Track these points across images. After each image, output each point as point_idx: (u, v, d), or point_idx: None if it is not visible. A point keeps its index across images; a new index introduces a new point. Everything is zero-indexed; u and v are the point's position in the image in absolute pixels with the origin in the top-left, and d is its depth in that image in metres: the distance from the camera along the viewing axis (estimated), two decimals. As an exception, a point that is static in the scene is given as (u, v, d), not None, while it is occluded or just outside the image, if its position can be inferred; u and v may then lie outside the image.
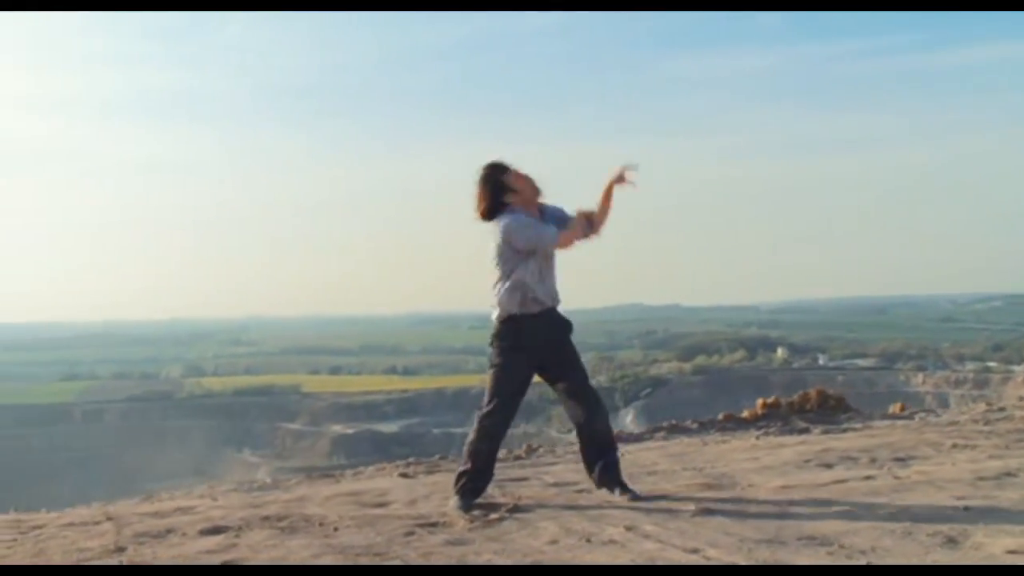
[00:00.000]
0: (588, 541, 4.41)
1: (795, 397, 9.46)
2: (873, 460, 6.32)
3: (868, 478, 5.63)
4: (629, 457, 6.76)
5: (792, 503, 5.03)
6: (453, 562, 4.14)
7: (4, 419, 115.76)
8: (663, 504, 5.13)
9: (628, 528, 4.58)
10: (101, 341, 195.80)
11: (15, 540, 4.93)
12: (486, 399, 5.29)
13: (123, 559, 4.39)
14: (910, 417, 9.30)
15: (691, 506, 4.97)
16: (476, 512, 5.09)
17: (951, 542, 4.07)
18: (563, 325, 5.35)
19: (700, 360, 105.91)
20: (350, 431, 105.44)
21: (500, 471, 5.97)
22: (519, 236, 5.08)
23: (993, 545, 3.99)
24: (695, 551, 4.11)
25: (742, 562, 3.90)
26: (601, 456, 5.33)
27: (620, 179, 5.20)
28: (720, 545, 4.19)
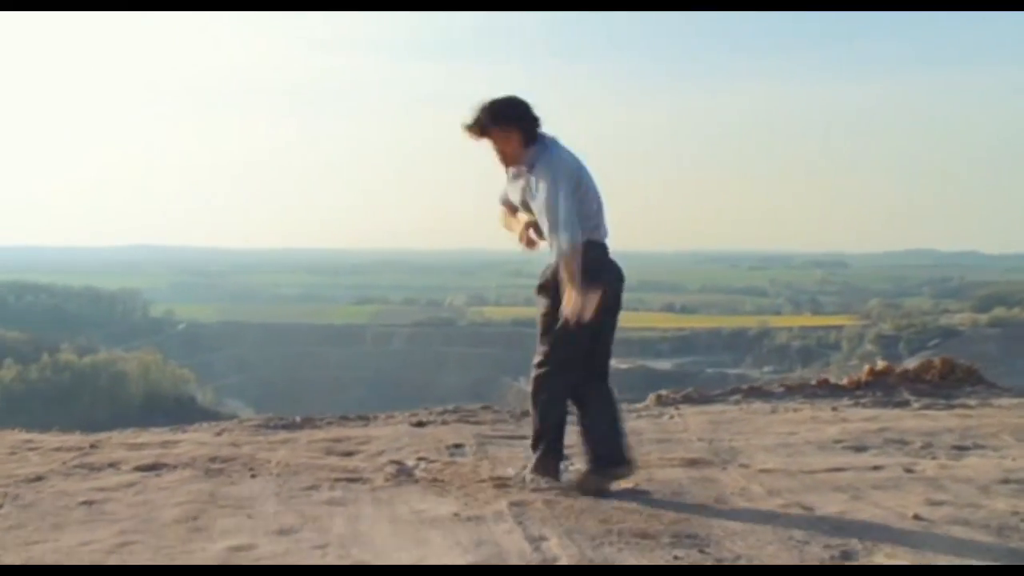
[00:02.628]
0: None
1: (915, 364, 8.23)
2: (926, 446, 5.48)
3: (877, 468, 4.90)
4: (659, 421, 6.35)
5: (741, 492, 4.37)
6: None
7: (304, 337, 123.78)
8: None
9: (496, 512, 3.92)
10: (394, 268, 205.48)
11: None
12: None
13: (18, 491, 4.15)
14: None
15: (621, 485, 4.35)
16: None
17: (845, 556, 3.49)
18: None
19: (999, 312, 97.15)
20: (624, 366, 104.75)
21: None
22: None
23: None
24: (539, 540, 3.54)
25: (566, 561, 3.34)
26: None
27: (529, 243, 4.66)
28: (573, 537, 3.58)
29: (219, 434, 5.79)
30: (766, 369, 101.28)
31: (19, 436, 5.57)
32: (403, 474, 4.61)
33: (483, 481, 4.42)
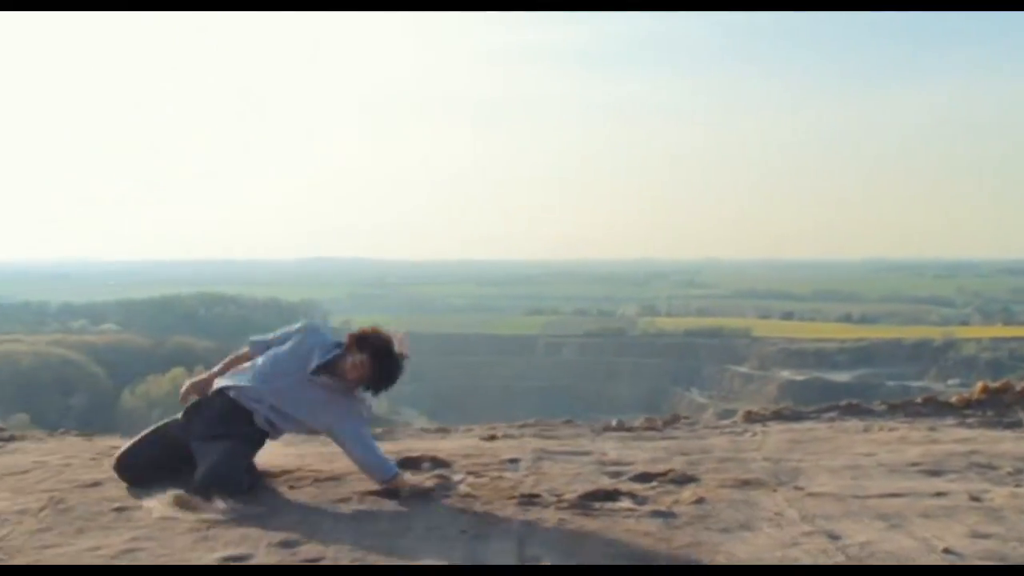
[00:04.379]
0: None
1: (1039, 381, 7.55)
2: (1016, 472, 5.04)
3: (939, 495, 4.59)
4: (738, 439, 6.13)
5: (773, 517, 4.16)
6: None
7: (476, 347, 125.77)
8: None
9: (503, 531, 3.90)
10: (565, 278, 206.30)
11: None
12: None
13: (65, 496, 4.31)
14: None
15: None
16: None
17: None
18: None
19: None
20: (799, 378, 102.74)
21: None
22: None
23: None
24: (532, 560, 3.57)
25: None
26: None
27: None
28: (569, 559, 3.55)
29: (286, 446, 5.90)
30: (951, 382, 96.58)
31: (110, 443, 5.84)
32: (444, 489, 4.61)
33: (513, 498, 4.38)
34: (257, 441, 4.73)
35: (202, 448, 4.53)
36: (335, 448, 4.88)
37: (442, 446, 5.76)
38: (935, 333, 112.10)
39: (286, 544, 3.68)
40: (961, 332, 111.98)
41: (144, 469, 4.57)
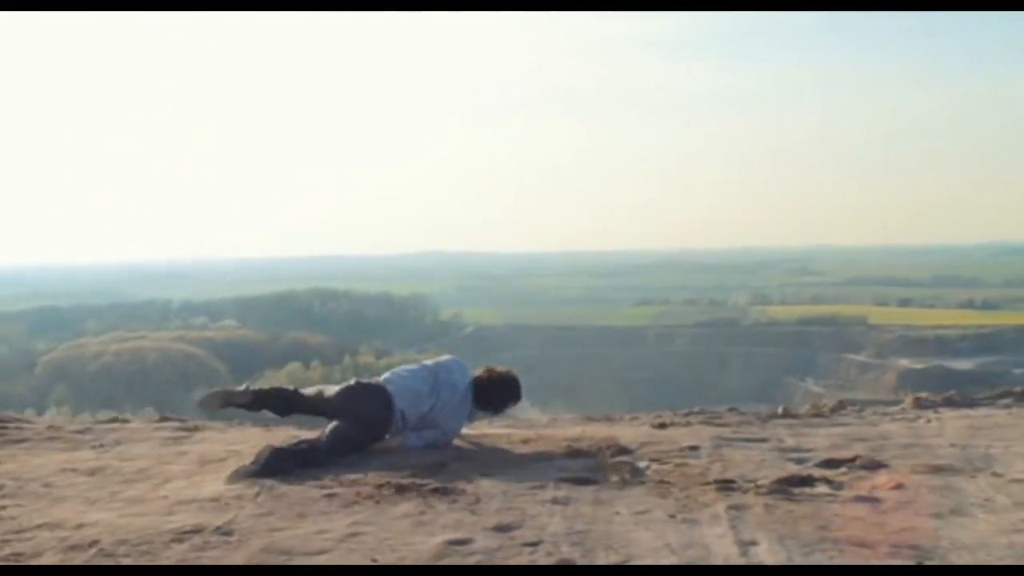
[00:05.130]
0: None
1: None
2: None
3: None
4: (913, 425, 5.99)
5: (984, 503, 4.06)
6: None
7: (587, 338, 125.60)
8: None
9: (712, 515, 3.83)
10: (674, 268, 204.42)
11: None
12: None
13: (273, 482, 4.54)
14: None
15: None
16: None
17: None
18: None
19: None
20: (919, 366, 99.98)
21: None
22: None
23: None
24: (749, 544, 3.52)
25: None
26: None
27: None
28: (785, 543, 3.51)
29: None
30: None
31: (287, 432, 6.04)
32: (634, 475, 4.66)
33: (708, 483, 4.40)
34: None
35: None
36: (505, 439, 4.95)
37: (618, 433, 5.80)
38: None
39: (501, 528, 3.76)
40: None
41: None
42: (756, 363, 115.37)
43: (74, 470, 5.01)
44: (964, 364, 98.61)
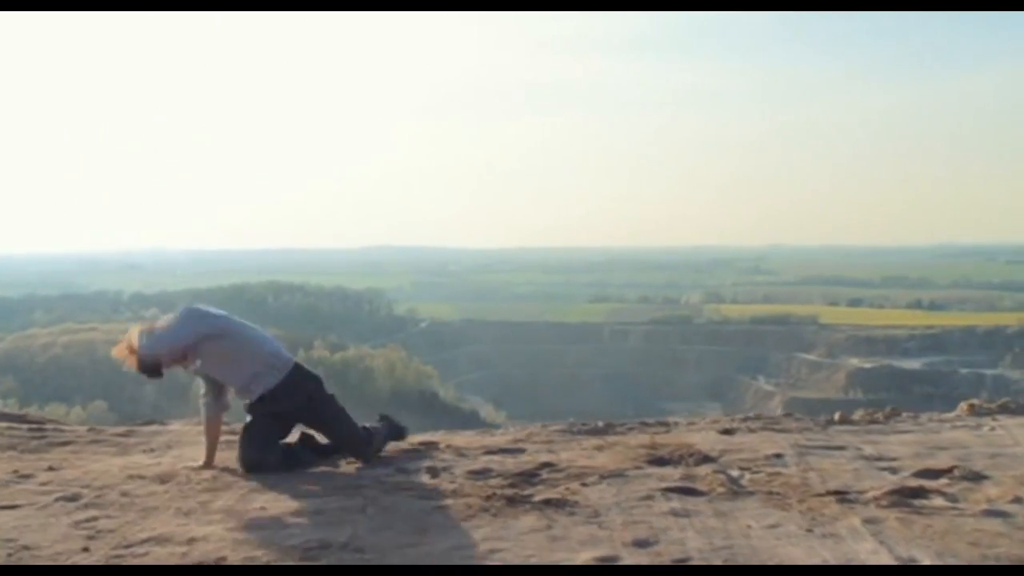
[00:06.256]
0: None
1: None
2: None
3: None
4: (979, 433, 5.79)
5: None
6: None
7: (542, 335, 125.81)
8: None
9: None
10: (629, 266, 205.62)
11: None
12: None
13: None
14: None
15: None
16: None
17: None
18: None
19: None
20: (868, 365, 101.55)
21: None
22: None
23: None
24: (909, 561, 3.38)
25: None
26: None
27: None
28: (946, 560, 3.43)
29: (522, 439, 5.85)
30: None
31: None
32: (733, 484, 4.53)
33: (821, 495, 4.28)
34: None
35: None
36: (594, 447, 4.80)
37: (688, 439, 5.67)
38: (1010, 320, 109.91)
39: (640, 544, 3.61)
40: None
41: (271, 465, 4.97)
42: (709, 361, 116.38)
43: (142, 477, 4.77)
44: (912, 363, 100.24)
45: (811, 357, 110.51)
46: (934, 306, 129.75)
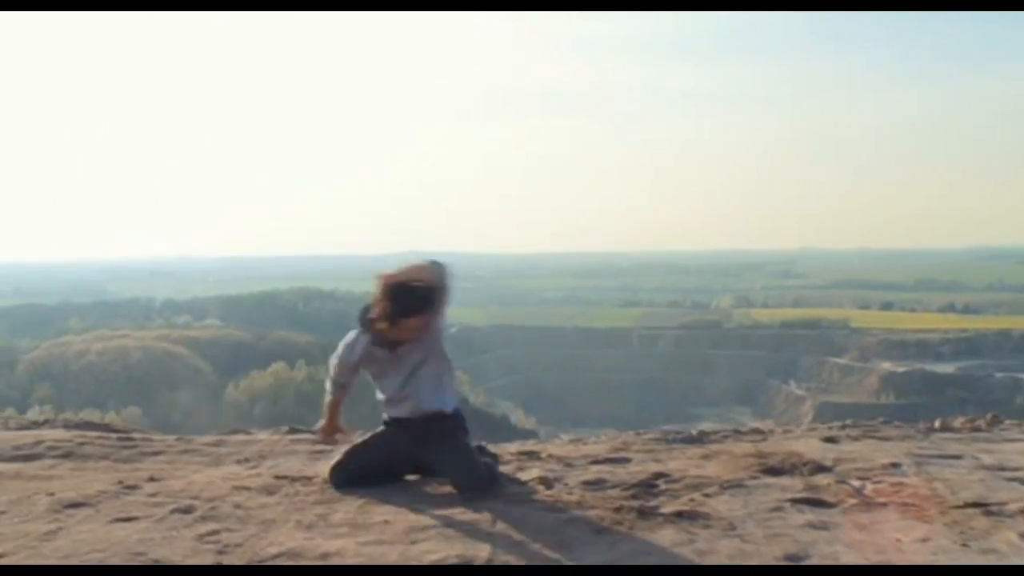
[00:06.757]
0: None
1: None
2: None
3: None
4: None
5: None
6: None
7: (571, 339, 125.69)
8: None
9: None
10: (658, 270, 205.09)
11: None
12: None
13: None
14: None
15: None
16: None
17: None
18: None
19: None
20: (900, 369, 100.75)
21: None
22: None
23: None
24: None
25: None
26: None
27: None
28: None
29: (621, 448, 5.72)
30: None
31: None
32: (858, 494, 4.38)
33: (960, 507, 4.12)
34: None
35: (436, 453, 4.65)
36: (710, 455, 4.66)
37: (795, 448, 5.51)
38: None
39: (792, 558, 3.47)
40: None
41: (357, 480, 4.60)
42: (739, 365, 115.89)
43: (247, 488, 4.67)
44: (946, 368, 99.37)
45: (842, 361, 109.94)
46: (967, 309, 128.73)
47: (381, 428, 4.90)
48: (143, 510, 4.21)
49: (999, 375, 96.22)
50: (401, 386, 4.71)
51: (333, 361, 4.85)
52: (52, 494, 4.48)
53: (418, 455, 4.73)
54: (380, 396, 4.83)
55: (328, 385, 4.92)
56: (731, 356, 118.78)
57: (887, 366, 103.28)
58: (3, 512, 4.19)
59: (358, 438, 4.94)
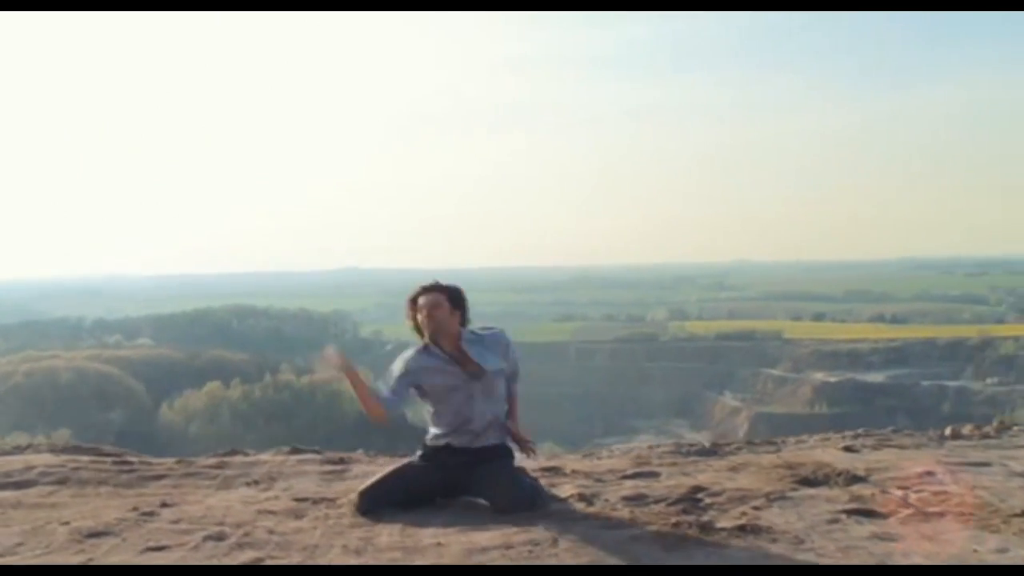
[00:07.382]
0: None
1: None
2: None
3: None
4: None
5: None
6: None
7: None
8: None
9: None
10: (593, 284, 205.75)
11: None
12: None
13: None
14: None
15: None
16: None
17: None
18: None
19: None
20: (833, 379, 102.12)
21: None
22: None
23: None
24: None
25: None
26: None
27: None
28: None
29: (641, 461, 5.59)
30: (990, 381, 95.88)
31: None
32: (907, 504, 4.30)
33: (1019, 515, 4.05)
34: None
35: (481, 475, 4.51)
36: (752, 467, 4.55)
37: (820, 458, 5.43)
38: (970, 332, 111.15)
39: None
40: (997, 331, 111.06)
41: (385, 507, 4.41)
42: (675, 378, 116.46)
43: (272, 512, 4.44)
44: (876, 377, 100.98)
45: (776, 372, 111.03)
46: (896, 320, 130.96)
47: (419, 455, 4.73)
48: (171, 538, 3.97)
49: (926, 383, 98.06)
50: (466, 416, 4.64)
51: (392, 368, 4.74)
52: (67, 523, 4.23)
53: (462, 481, 4.56)
54: (434, 428, 4.70)
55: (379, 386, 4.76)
56: (667, 369, 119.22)
57: (820, 376, 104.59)
58: (21, 544, 3.93)
59: (391, 466, 4.77)
